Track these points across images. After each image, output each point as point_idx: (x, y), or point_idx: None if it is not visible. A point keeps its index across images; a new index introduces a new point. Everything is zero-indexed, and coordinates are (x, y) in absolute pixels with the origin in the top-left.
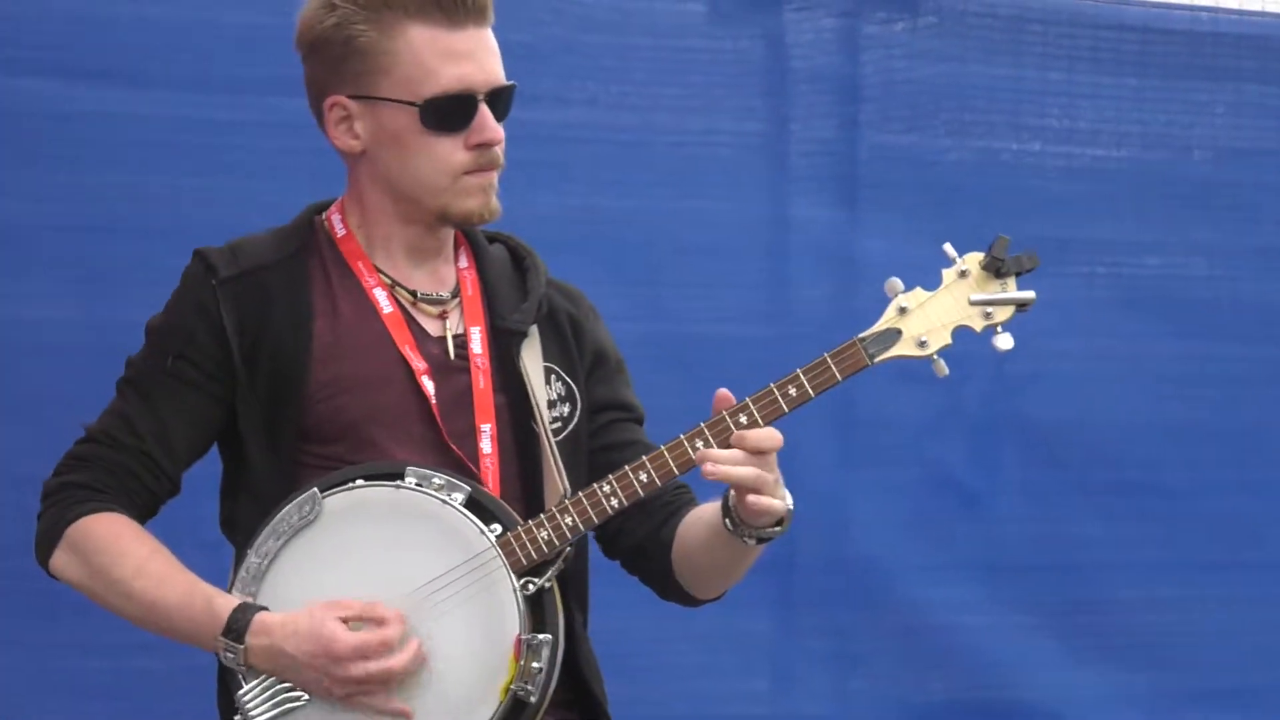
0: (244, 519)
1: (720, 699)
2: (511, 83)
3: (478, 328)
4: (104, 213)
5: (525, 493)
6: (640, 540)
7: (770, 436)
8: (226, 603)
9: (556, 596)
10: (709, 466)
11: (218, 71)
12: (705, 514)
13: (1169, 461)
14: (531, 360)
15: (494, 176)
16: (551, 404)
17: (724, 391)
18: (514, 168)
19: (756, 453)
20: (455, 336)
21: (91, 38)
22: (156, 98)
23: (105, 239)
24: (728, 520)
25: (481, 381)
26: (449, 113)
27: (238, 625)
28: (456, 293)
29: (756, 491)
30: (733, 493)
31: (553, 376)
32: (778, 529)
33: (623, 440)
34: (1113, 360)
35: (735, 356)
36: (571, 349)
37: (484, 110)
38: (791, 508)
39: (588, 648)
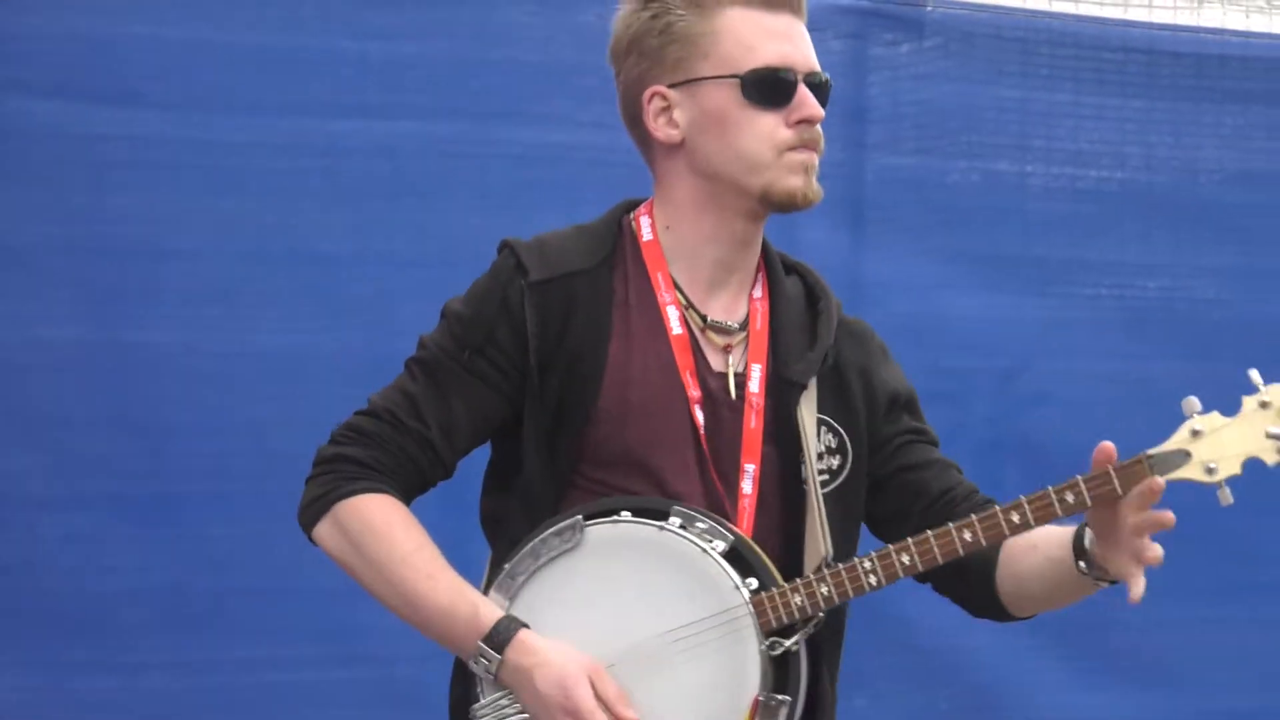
0: (509, 520)
1: None
2: (828, 76)
3: (759, 365)
4: (111, 234)
5: (783, 544)
6: (962, 560)
7: (1168, 518)
8: (493, 611)
9: (802, 659)
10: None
11: (225, 93)
12: (1042, 545)
13: (1171, 484)
14: (807, 410)
15: (815, 158)
16: (820, 455)
17: (1107, 445)
18: (524, 188)
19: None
20: (736, 374)
21: (97, 59)
22: (164, 119)
23: (112, 260)
24: (1081, 563)
25: (753, 421)
26: (771, 86)
27: (500, 636)
28: (745, 325)
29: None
30: (1092, 535)
31: (824, 428)
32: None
33: (916, 461)
34: (1118, 382)
35: None
36: (856, 402)
37: (804, 89)
38: None
39: (832, 711)
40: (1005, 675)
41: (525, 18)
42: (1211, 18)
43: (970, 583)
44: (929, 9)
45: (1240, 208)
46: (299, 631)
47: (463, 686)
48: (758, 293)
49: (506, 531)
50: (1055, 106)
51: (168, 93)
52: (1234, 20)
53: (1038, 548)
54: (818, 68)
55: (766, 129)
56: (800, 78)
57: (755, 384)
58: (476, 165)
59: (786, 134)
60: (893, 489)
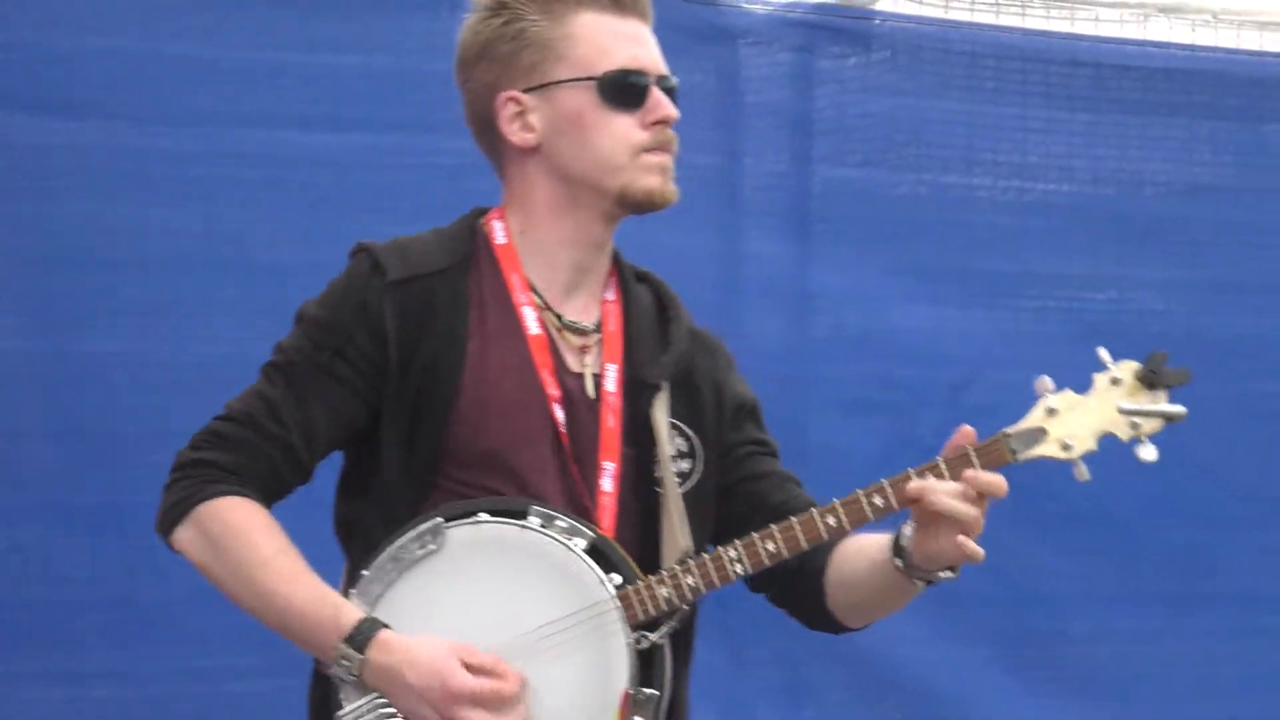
0: (366, 524)
1: None
2: (678, 80)
3: (614, 366)
4: (67, 244)
5: (640, 542)
6: (792, 571)
7: (1002, 483)
8: (354, 612)
9: (667, 653)
10: (933, 496)
11: (174, 104)
12: (868, 548)
13: (1122, 493)
14: (660, 412)
15: (670, 159)
16: (673, 458)
17: (967, 429)
18: (470, 198)
19: (983, 495)
20: (594, 375)
21: (56, 70)
22: (122, 129)
23: (68, 270)
24: (899, 560)
25: (611, 420)
26: (626, 88)
27: (362, 636)
28: (599, 326)
29: (967, 532)
30: (909, 533)
31: (675, 432)
32: (949, 574)
33: (757, 471)
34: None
35: None
36: (705, 407)
37: (657, 91)
38: None
39: (686, 705)
40: (955, 686)
41: None
42: (1158, 31)
43: (802, 593)
44: (876, 22)
45: (1186, 221)
46: (249, 641)
47: (321, 692)
48: (610, 295)
49: (363, 537)
50: (1002, 119)
51: (116, 103)
52: (1180, 34)
53: (862, 551)
54: (667, 71)
55: (622, 130)
56: (653, 80)
57: (611, 383)
58: (422, 175)
59: (642, 135)
60: (735, 498)
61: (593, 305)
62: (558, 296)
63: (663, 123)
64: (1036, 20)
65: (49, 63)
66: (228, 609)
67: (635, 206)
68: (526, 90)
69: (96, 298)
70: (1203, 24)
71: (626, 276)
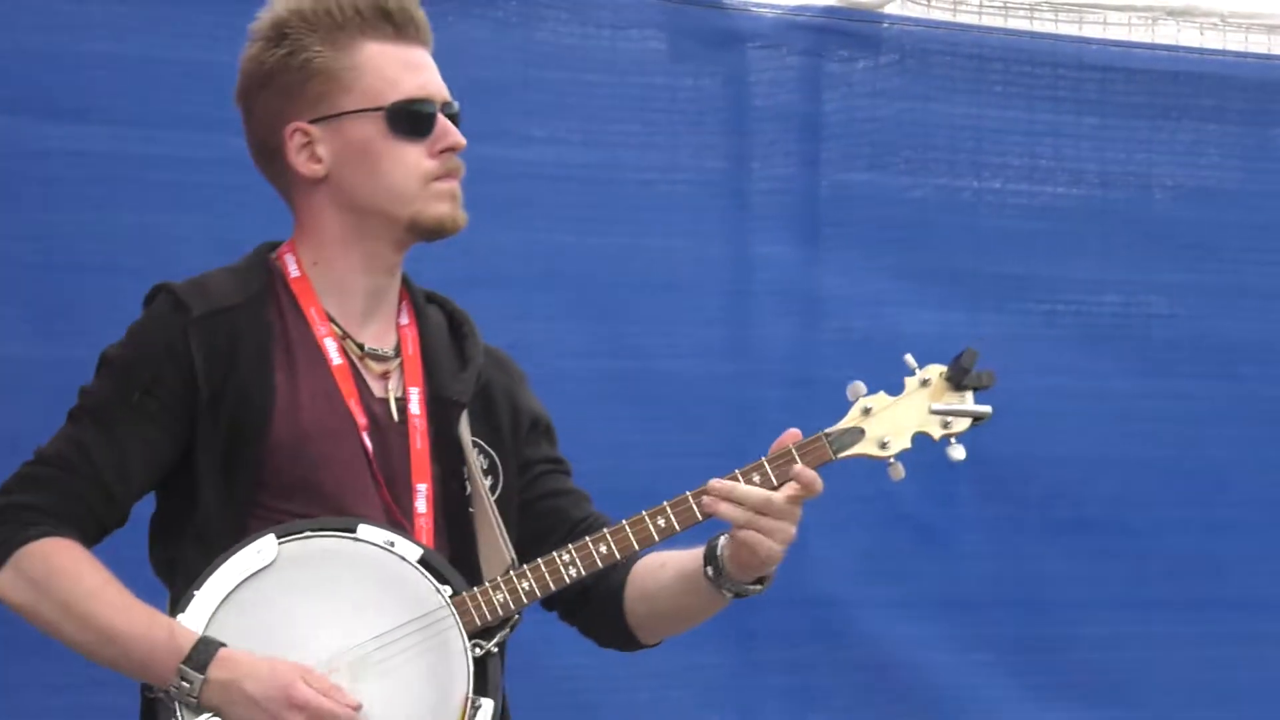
0: (188, 562)
1: None
2: (459, 105)
3: (416, 389)
4: (71, 249)
5: (456, 559)
6: (587, 586)
7: (818, 481)
8: (189, 634)
9: (500, 663)
10: (722, 508)
11: (178, 109)
12: (675, 559)
13: (1130, 498)
14: (464, 430)
15: (457, 185)
16: None
17: (793, 431)
18: (476, 204)
19: (807, 493)
20: (397, 400)
21: (62, 75)
22: (126, 135)
23: (72, 276)
24: (710, 569)
25: (419, 442)
26: (414, 117)
27: (201, 656)
28: (398, 351)
29: (771, 537)
30: (725, 544)
31: (478, 450)
32: (758, 587)
33: (556, 489)
34: (1073, 397)
35: (697, 393)
36: (501, 421)
37: (442, 119)
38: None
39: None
40: (964, 691)
41: (477, 34)
42: (1166, 34)
43: (599, 608)
44: (885, 25)
45: (1194, 224)
46: None
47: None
48: (404, 319)
49: (184, 572)
50: (1010, 123)
51: (120, 108)
52: (1188, 37)
53: (667, 565)
54: (449, 97)
55: (411, 160)
56: (439, 107)
57: (415, 405)
58: None
59: (430, 164)
60: (535, 514)
61: (388, 331)
62: (355, 324)
63: (450, 150)
64: (1045, 24)
65: (53, 68)
66: None
67: (425, 234)
68: (313, 121)
69: (100, 304)
70: (1211, 27)
71: (417, 299)
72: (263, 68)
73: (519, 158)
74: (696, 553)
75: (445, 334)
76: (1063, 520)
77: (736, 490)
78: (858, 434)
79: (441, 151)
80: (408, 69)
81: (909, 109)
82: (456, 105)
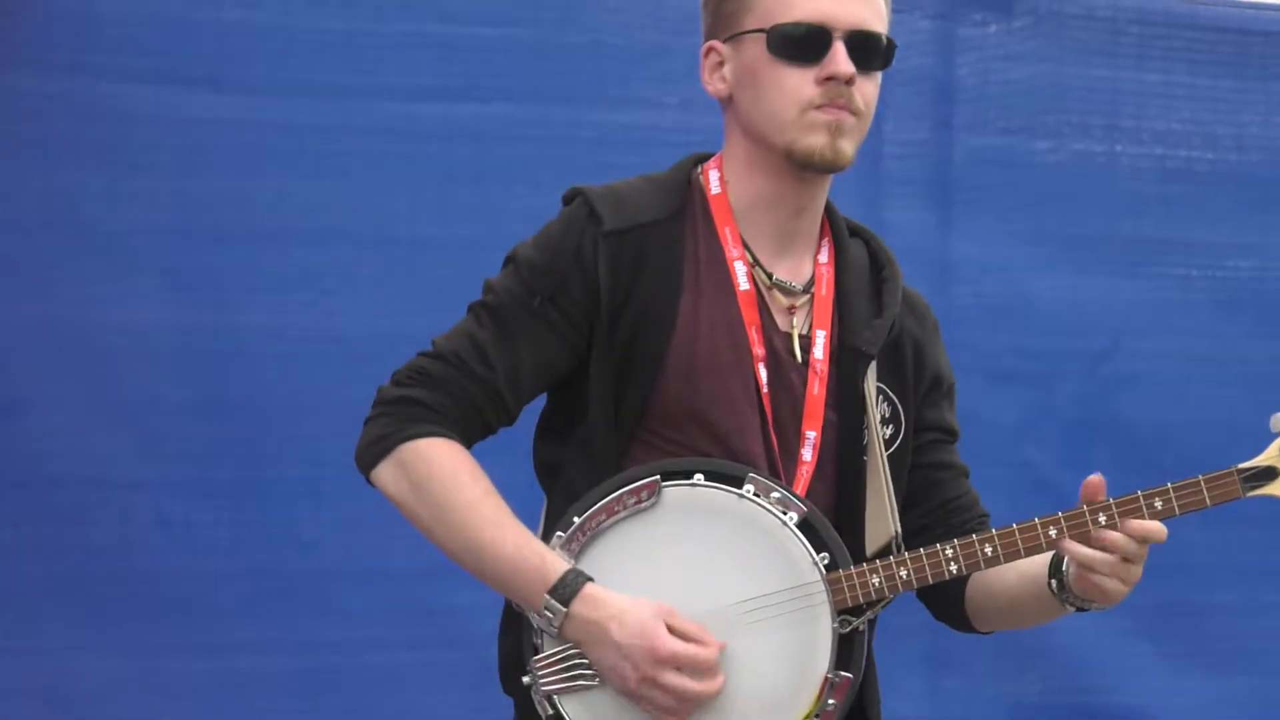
0: (568, 470)
1: None
2: (879, 32)
3: (824, 332)
4: (208, 218)
5: (836, 514)
6: None
7: (1160, 530)
8: (559, 563)
9: (866, 638)
10: (1084, 554)
11: (312, 77)
12: (1021, 562)
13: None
14: (870, 382)
15: (846, 117)
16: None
17: (1095, 479)
18: (606, 171)
19: (1142, 541)
20: (801, 337)
21: (199, 44)
22: (263, 103)
23: (209, 244)
24: (1054, 582)
25: (816, 388)
26: (797, 41)
27: (568, 589)
28: (809, 287)
29: (1126, 583)
30: (1070, 565)
31: (881, 397)
32: (1099, 605)
33: (940, 461)
34: (1208, 362)
35: None
36: (908, 373)
37: (838, 46)
38: None
39: (876, 686)
40: (1097, 658)
41: (608, 0)
42: None
43: (938, 587)
44: None
45: None
46: (391, 613)
47: (514, 636)
48: (823, 257)
49: (565, 481)
50: (1145, 86)
51: (257, 77)
52: None
53: (1016, 565)
54: (869, 26)
55: (791, 85)
56: (839, 35)
57: (820, 350)
58: (559, 148)
59: (811, 91)
60: (911, 480)
61: (804, 265)
62: (767, 253)
63: (833, 79)
64: None
65: (190, 38)
66: (369, 581)
67: (800, 165)
68: (725, 40)
69: (237, 271)
70: None
71: (841, 236)
72: None
73: (648, 123)
74: (1042, 559)
75: (865, 275)
76: None
77: (1136, 530)
78: (1272, 474)
79: (825, 79)
80: None
81: (1042, 72)
82: (876, 33)
